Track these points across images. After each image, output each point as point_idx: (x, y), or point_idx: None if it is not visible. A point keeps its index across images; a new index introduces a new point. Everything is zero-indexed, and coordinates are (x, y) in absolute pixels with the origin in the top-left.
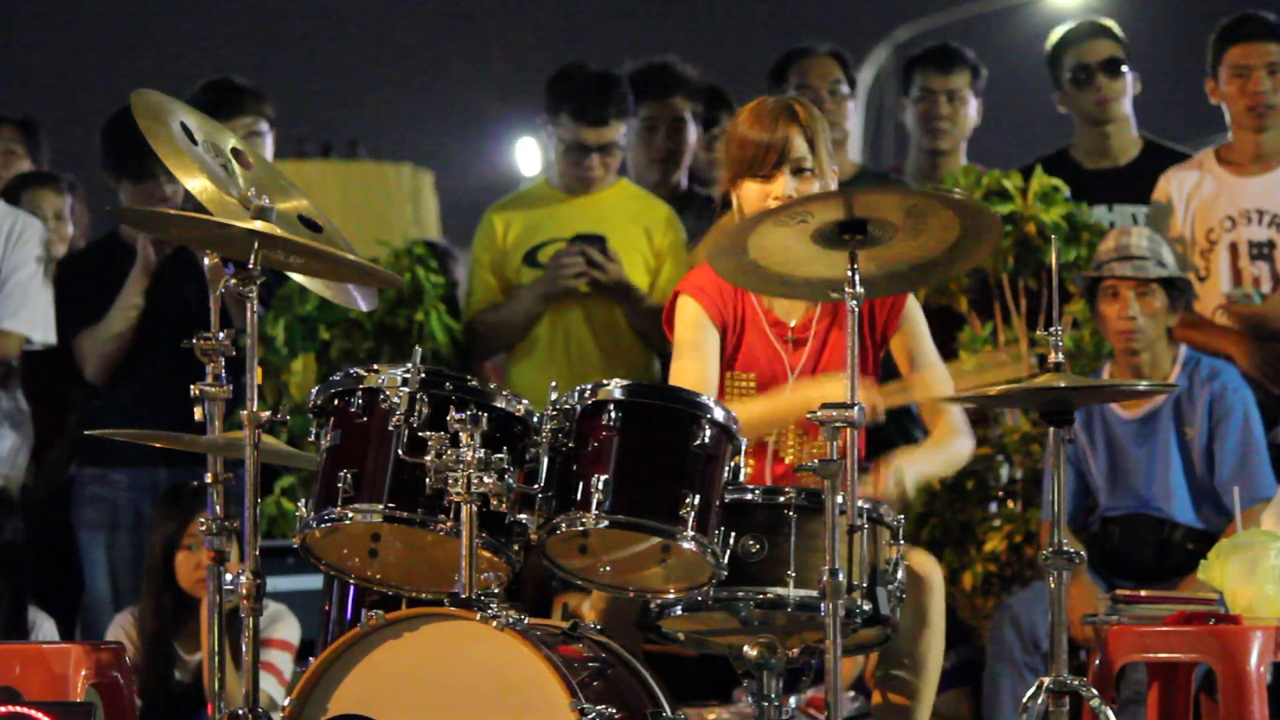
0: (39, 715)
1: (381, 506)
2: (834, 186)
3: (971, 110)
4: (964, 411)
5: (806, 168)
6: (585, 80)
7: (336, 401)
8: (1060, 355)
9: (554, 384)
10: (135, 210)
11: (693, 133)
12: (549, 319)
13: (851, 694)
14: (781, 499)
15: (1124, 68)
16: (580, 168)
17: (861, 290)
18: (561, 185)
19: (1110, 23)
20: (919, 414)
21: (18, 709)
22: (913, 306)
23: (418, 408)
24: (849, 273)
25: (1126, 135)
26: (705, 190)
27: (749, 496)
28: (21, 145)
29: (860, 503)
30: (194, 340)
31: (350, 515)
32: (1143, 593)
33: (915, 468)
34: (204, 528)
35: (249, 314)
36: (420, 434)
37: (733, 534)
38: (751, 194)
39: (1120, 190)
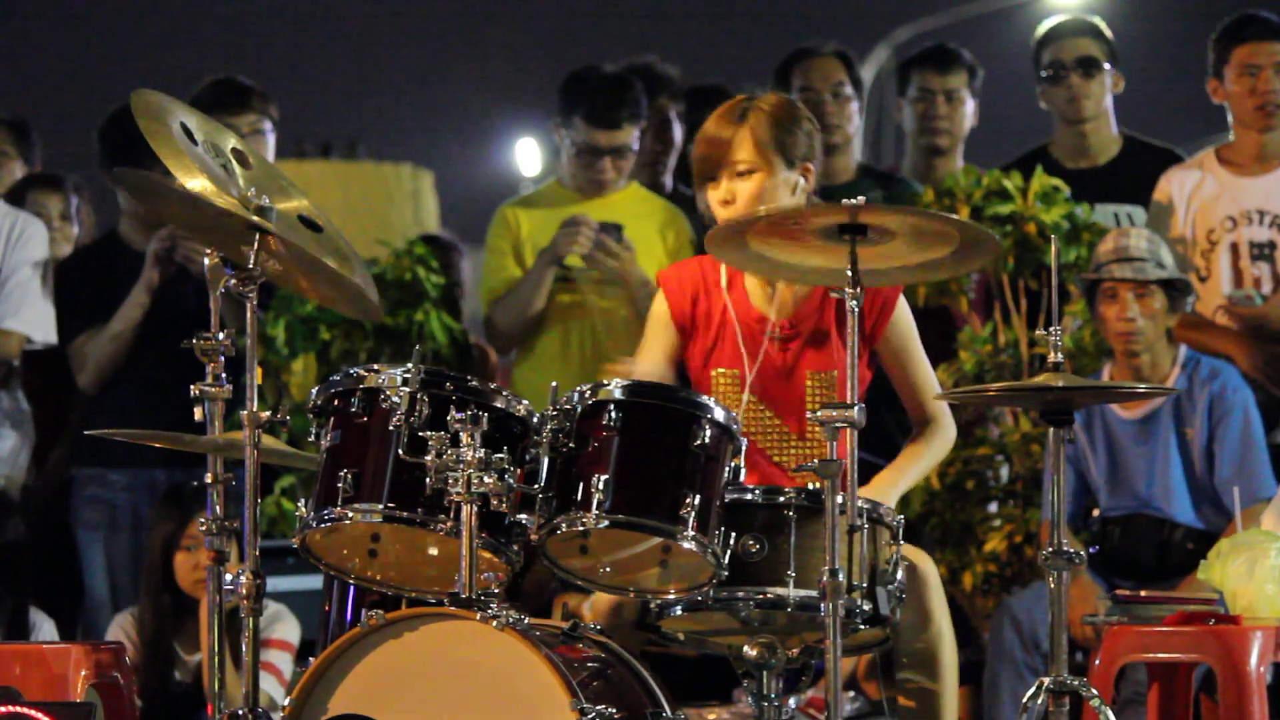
0: (39, 715)
1: (381, 506)
2: (803, 183)
3: (969, 110)
4: (962, 411)
5: (744, 171)
6: (598, 83)
7: (336, 401)
8: (1060, 355)
9: (554, 384)
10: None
11: (678, 133)
12: (561, 320)
13: (851, 694)
14: (781, 499)
15: (1105, 66)
16: (592, 170)
17: (861, 289)
18: (573, 186)
19: (1097, 20)
20: (906, 408)
21: (18, 709)
22: (902, 307)
23: (418, 408)
24: (849, 271)
25: (1105, 134)
26: (691, 190)
27: (749, 496)
28: (14, 147)
29: (860, 502)
30: (194, 340)
31: (350, 515)
32: (1143, 593)
33: (896, 492)
34: (204, 528)
35: (249, 314)
36: (420, 434)
37: (733, 534)
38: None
39: (1102, 189)
